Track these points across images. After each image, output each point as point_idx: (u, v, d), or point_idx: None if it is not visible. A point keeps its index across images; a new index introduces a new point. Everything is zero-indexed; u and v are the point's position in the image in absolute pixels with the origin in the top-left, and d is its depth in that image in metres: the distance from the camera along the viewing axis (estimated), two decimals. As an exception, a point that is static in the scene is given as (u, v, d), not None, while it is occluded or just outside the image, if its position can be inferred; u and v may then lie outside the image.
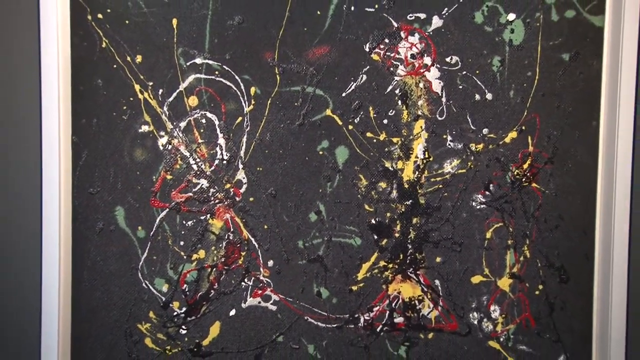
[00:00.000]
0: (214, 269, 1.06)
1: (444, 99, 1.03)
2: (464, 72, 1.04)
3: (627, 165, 1.02)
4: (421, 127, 1.04)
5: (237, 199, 1.05)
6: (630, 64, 1.01)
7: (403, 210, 1.06)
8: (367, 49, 1.04)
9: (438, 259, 1.07)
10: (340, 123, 1.05)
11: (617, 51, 1.01)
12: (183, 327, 1.06)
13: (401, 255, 1.06)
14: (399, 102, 1.03)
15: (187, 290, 1.06)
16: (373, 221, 1.07)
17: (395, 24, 1.03)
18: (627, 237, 1.03)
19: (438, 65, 1.03)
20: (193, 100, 1.04)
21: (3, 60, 1.00)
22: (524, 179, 1.04)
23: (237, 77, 1.03)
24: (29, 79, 1.01)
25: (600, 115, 1.05)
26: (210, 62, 1.03)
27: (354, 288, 1.07)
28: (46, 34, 0.98)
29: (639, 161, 1.05)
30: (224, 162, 1.04)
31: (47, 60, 0.99)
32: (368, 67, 1.04)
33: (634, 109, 1.02)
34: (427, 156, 1.04)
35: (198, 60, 1.03)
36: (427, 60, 1.03)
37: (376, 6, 1.02)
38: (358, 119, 1.05)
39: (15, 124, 1.02)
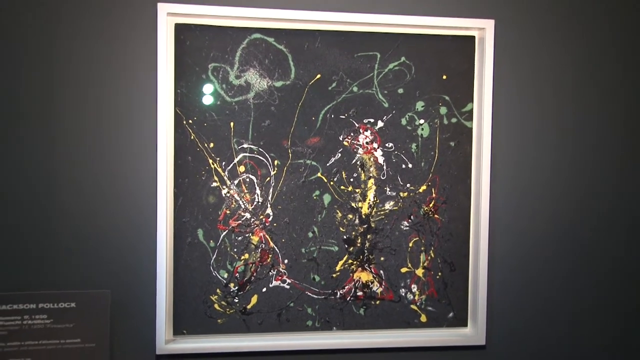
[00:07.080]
0: (254, 265, 1.38)
1: (384, 167, 1.43)
2: (396, 152, 1.43)
3: (486, 205, 1.47)
4: (372, 183, 1.43)
5: (267, 224, 1.39)
6: (487, 148, 1.46)
7: (362, 230, 1.42)
8: (341, 139, 1.41)
9: (382, 258, 1.44)
10: (326, 181, 1.40)
11: (480, 141, 1.47)
12: (236, 298, 1.38)
13: (361, 257, 1.43)
14: (359, 168, 1.42)
15: (238, 277, 1.38)
16: (345, 237, 1.42)
17: (357, 125, 1.41)
18: (487, 245, 1.46)
19: (381, 148, 1.43)
20: (242, 168, 1.37)
21: (136, 150, 1.34)
22: (430, 213, 1.46)
23: (267, 154, 1.38)
24: (150, 157, 1.35)
25: (472, 176, 1.47)
26: (252, 146, 1.37)
27: (334, 275, 1.41)
28: (160, 132, 1.33)
29: (494, 203, 1.49)
30: (259, 203, 1.39)
31: (161, 146, 1.32)
32: (341, 149, 1.41)
33: (490, 173, 1.47)
34: (375, 199, 1.43)
35: (245, 145, 1.37)
36: (375, 145, 1.42)
37: (346, 114, 1.41)
38: (336, 178, 1.41)
39: (140, 184, 1.35)
